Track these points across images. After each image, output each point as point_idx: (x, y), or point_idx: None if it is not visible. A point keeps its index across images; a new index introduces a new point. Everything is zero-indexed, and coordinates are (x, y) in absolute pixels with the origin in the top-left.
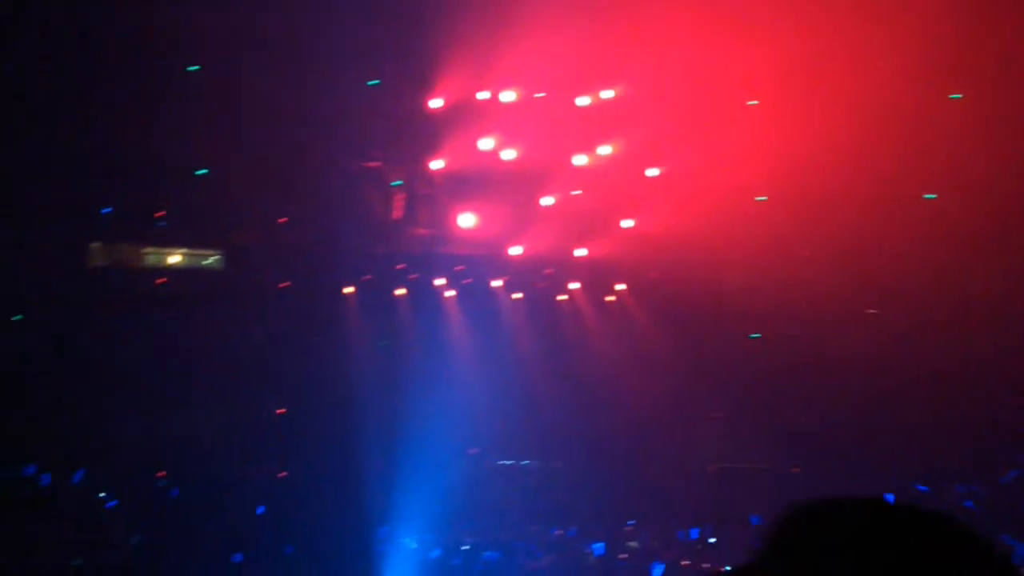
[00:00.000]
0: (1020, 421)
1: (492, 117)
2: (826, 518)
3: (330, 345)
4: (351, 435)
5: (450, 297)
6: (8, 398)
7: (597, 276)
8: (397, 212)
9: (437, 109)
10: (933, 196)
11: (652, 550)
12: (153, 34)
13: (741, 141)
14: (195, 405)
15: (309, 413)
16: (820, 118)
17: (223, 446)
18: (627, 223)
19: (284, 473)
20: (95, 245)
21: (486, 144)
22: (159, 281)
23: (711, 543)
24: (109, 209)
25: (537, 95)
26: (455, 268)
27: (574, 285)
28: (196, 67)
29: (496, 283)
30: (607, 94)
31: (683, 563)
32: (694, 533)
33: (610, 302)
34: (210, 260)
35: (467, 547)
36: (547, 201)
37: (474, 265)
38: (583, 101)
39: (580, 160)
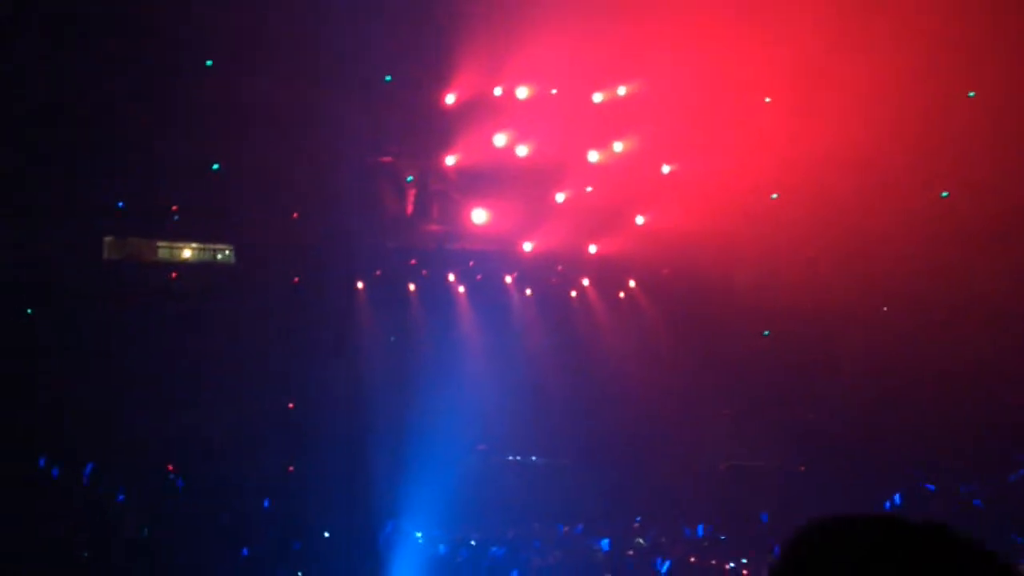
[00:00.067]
0: None
1: (507, 113)
2: (838, 536)
3: (340, 341)
4: (360, 430)
5: (462, 293)
6: (19, 393)
7: (609, 273)
8: (410, 208)
9: (452, 105)
10: (946, 194)
11: (660, 547)
12: (167, 30)
13: (753, 140)
14: (205, 400)
15: (318, 408)
16: (831, 118)
17: (232, 441)
18: (640, 220)
19: (292, 468)
20: (108, 239)
21: (500, 140)
22: (172, 275)
23: (719, 540)
24: (122, 204)
25: (552, 91)
26: (467, 264)
27: (586, 281)
28: (210, 62)
29: (508, 279)
30: (622, 91)
31: (691, 559)
32: (701, 530)
33: (621, 299)
34: (222, 255)
35: (474, 543)
36: (560, 197)
37: (486, 261)
38: (598, 98)
39: (594, 156)
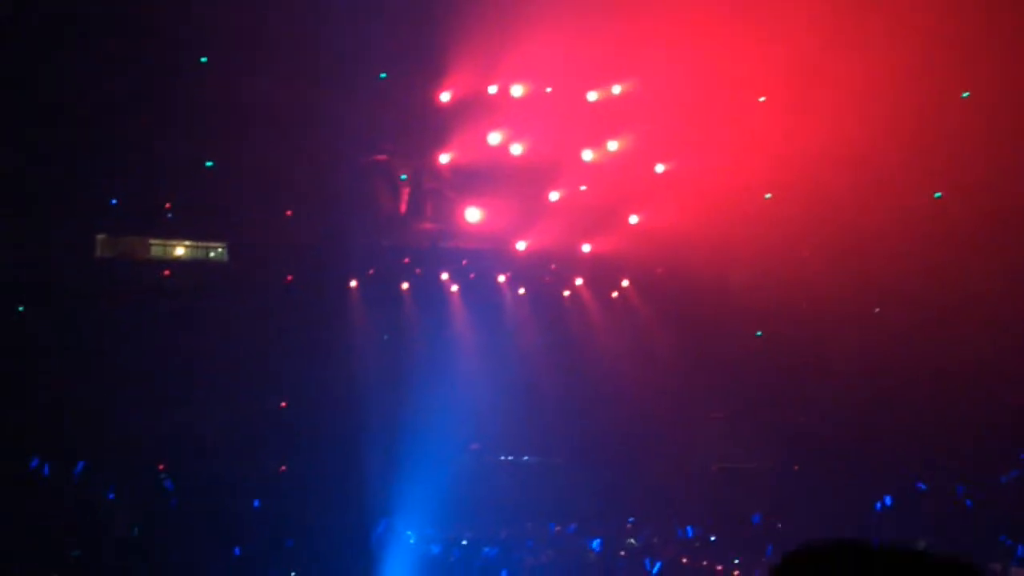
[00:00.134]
0: (1019, 421)
1: (501, 111)
2: (823, 563)
3: (333, 339)
4: (353, 429)
5: (455, 292)
6: (9, 391)
7: (602, 272)
8: (403, 206)
9: (446, 103)
10: (939, 195)
11: (652, 547)
12: (167, 30)
13: (747, 138)
14: (197, 399)
15: (311, 407)
16: (826, 116)
17: (225, 440)
18: (633, 219)
19: (285, 467)
20: (101, 237)
21: (494, 138)
22: (164, 273)
23: (711, 541)
24: (115, 201)
25: (547, 90)
26: (461, 262)
27: (579, 280)
28: (204, 59)
29: (501, 278)
30: (616, 90)
31: (683, 560)
32: (692, 531)
33: (614, 298)
34: (215, 253)
35: (467, 542)
36: (554, 196)
37: (480, 260)
38: (592, 96)
39: (588, 155)
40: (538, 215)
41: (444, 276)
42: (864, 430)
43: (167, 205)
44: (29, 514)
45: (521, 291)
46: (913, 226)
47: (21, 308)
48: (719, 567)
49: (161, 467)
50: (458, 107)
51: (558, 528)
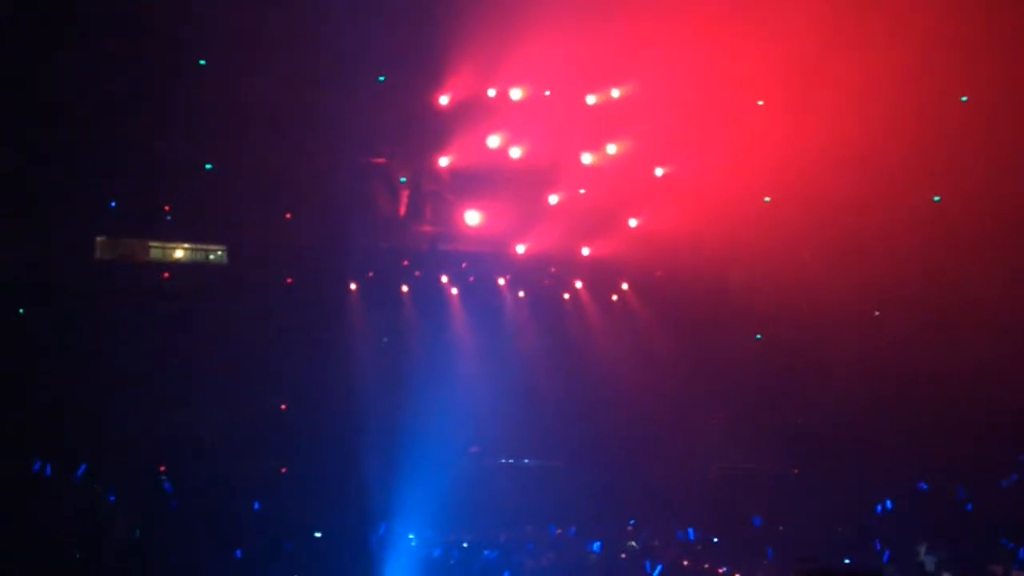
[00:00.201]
0: (1019, 424)
1: (500, 114)
2: None
3: (333, 342)
4: (353, 432)
5: (455, 294)
6: (10, 392)
7: (602, 275)
8: (403, 209)
9: (446, 106)
10: (938, 199)
11: (652, 550)
12: (167, 30)
13: (747, 139)
14: (197, 401)
15: (311, 410)
16: (826, 116)
17: (225, 442)
18: (633, 222)
19: (285, 469)
20: (101, 239)
21: (494, 141)
22: (164, 276)
23: (712, 543)
24: (115, 204)
25: (546, 93)
26: (460, 265)
27: (579, 283)
28: (203, 62)
29: (501, 281)
30: (615, 93)
31: (683, 563)
32: (693, 533)
33: (614, 301)
34: (215, 256)
35: (466, 545)
36: (553, 199)
37: (479, 262)
38: (591, 100)
39: (587, 159)
40: (537, 218)
41: (444, 279)
42: (864, 433)
43: (166, 208)
44: (29, 515)
45: (521, 294)
46: (912, 229)
47: (21, 311)
48: (720, 570)
49: (162, 469)
50: (457, 110)
51: (558, 531)
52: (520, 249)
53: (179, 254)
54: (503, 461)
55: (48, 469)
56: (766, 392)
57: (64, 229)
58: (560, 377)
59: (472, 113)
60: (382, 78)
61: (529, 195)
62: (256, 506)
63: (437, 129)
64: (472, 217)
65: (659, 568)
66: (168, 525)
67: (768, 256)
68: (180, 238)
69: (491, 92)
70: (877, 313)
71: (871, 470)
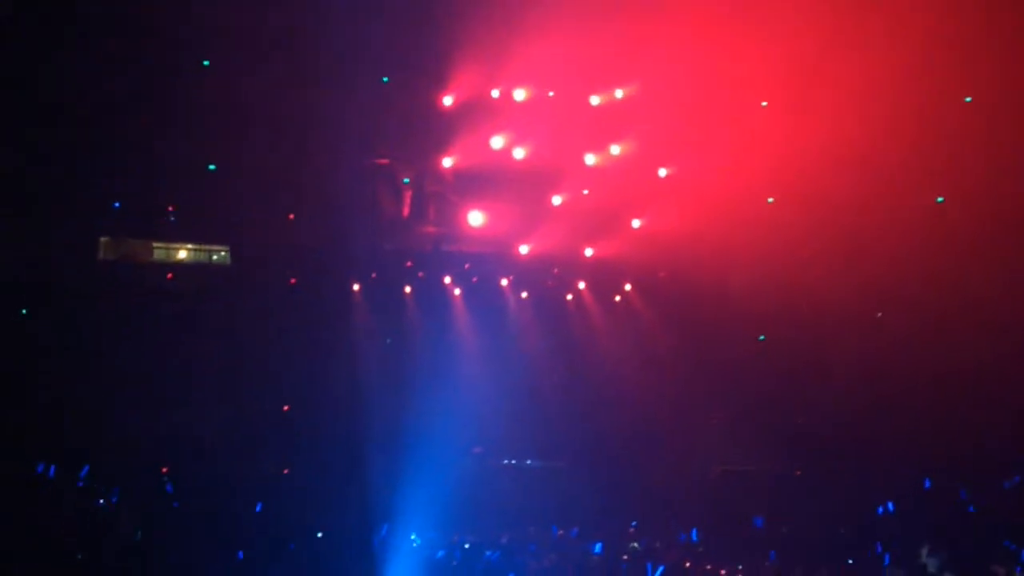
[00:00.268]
0: (1021, 425)
1: (504, 115)
2: None
3: (336, 343)
4: (355, 432)
5: (458, 295)
6: (11, 393)
7: (605, 276)
8: (406, 209)
9: (449, 106)
10: (941, 199)
11: (654, 551)
12: (167, 30)
13: (748, 140)
14: (200, 403)
15: (314, 410)
16: (826, 116)
17: (227, 443)
18: (636, 223)
19: (287, 470)
20: (104, 240)
21: (497, 142)
22: (167, 276)
23: (713, 544)
24: (118, 204)
25: (549, 94)
26: (463, 266)
27: (582, 284)
28: (207, 62)
29: (504, 282)
30: (619, 94)
31: (685, 564)
32: (696, 534)
33: (617, 302)
34: (218, 256)
35: (469, 546)
36: (556, 200)
37: (482, 263)
38: (595, 100)
39: (590, 159)
40: (540, 219)
41: (447, 280)
42: (865, 433)
43: (169, 208)
44: (29, 516)
45: (524, 295)
46: (913, 229)
47: (24, 311)
48: (722, 571)
49: (164, 470)
50: (461, 111)
51: (560, 532)
52: (523, 250)
53: (182, 255)
54: (506, 462)
55: (50, 471)
56: (767, 393)
57: (65, 229)
58: (563, 378)
59: (475, 114)
60: (386, 79)
61: (532, 196)
62: (258, 507)
63: (440, 130)
64: (475, 218)
65: (660, 569)
66: (169, 526)
67: (769, 256)
68: (182, 239)
69: (495, 93)
70: (880, 315)
71: (872, 470)
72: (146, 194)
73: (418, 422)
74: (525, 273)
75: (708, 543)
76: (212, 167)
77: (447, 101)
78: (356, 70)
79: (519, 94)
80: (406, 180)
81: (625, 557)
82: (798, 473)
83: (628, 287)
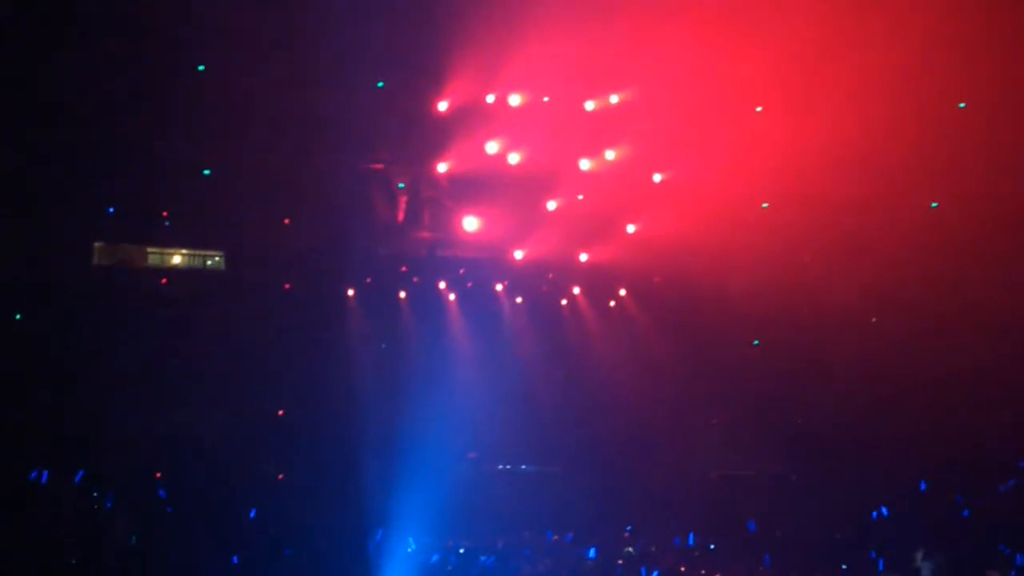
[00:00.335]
0: (1018, 429)
1: (499, 120)
2: None
3: (331, 348)
4: (350, 438)
5: (452, 300)
6: (9, 397)
7: (600, 281)
8: (401, 214)
9: (444, 112)
10: (935, 205)
11: (649, 556)
12: (162, 28)
13: (747, 140)
14: (195, 406)
15: (309, 415)
16: (825, 116)
17: (222, 448)
18: (631, 228)
19: (282, 476)
20: (99, 245)
21: (492, 147)
22: (162, 282)
23: (709, 549)
24: (112, 209)
25: (544, 99)
26: (458, 271)
27: (576, 289)
28: (202, 67)
29: (499, 287)
30: (614, 99)
31: (681, 568)
32: (692, 539)
33: (612, 307)
34: (212, 262)
35: (463, 551)
36: (551, 205)
37: (477, 268)
38: (590, 106)
39: (585, 164)
40: (535, 224)
41: (442, 285)
42: (864, 435)
43: (164, 213)
44: (26, 520)
45: (519, 300)
46: (913, 230)
47: (23, 311)
48: (717, 575)
49: (158, 475)
50: (456, 116)
51: (555, 537)
52: (518, 255)
53: (176, 260)
54: (501, 467)
55: (45, 475)
56: (765, 396)
57: (64, 228)
58: (558, 383)
59: (470, 119)
60: (381, 84)
61: (527, 201)
62: (252, 513)
63: (435, 135)
64: (470, 223)
65: (655, 574)
66: (165, 529)
67: (768, 258)
68: (178, 243)
69: (490, 98)
70: (874, 320)
71: (870, 473)
72: (142, 195)
73: (413, 427)
74: (520, 278)
75: (703, 547)
76: (207, 172)
77: (442, 107)
78: (352, 77)
79: (514, 99)
80: (401, 185)
81: (620, 562)
82: (794, 478)
83: (623, 292)
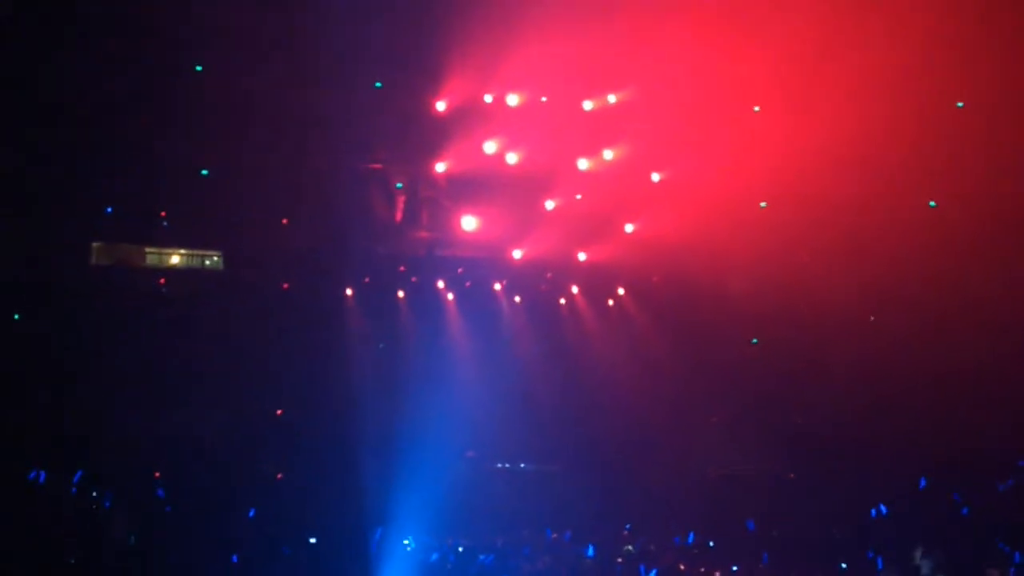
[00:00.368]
0: (1018, 427)
1: (497, 120)
2: None
3: (330, 347)
4: (350, 437)
5: (451, 300)
6: (9, 397)
7: (598, 280)
8: (399, 214)
9: (442, 111)
10: (934, 204)
11: (649, 554)
12: (162, 28)
13: (746, 140)
14: (195, 406)
15: (308, 415)
16: (825, 116)
17: (222, 447)
18: (629, 227)
19: (281, 475)
20: (97, 245)
21: (490, 147)
22: (160, 282)
23: (708, 547)
24: (111, 209)
25: (542, 99)
26: (457, 271)
27: (575, 289)
28: (200, 67)
29: (497, 286)
30: (612, 99)
31: (680, 567)
32: (692, 537)
33: (610, 306)
34: (211, 262)
35: (462, 549)
36: (550, 205)
37: (476, 268)
38: (588, 105)
39: (583, 164)
40: (534, 223)
41: (440, 284)
42: (864, 434)
43: (163, 213)
44: (25, 520)
45: (517, 299)
46: (913, 230)
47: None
48: (716, 574)
49: (157, 475)
50: (454, 116)
51: (554, 535)
52: (516, 254)
53: (175, 260)
54: (499, 465)
55: (43, 475)
56: (765, 394)
57: (63, 230)
58: (556, 382)
59: (469, 119)
60: (379, 84)
61: (526, 200)
62: (252, 512)
63: (434, 135)
64: (468, 222)
65: (654, 572)
66: (165, 529)
67: (768, 257)
68: (177, 243)
69: (488, 98)
70: (872, 319)
71: (870, 472)
72: (142, 194)
73: (412, 426)
74: (518, 277)
75: (702, 545)
76: (204, 172)
77: (440, 106)
78: (352, 77)
79: (513, 99)
80: (399, 185)
81: (619, 560)
82: (792, 476)
83: (622, 291)
